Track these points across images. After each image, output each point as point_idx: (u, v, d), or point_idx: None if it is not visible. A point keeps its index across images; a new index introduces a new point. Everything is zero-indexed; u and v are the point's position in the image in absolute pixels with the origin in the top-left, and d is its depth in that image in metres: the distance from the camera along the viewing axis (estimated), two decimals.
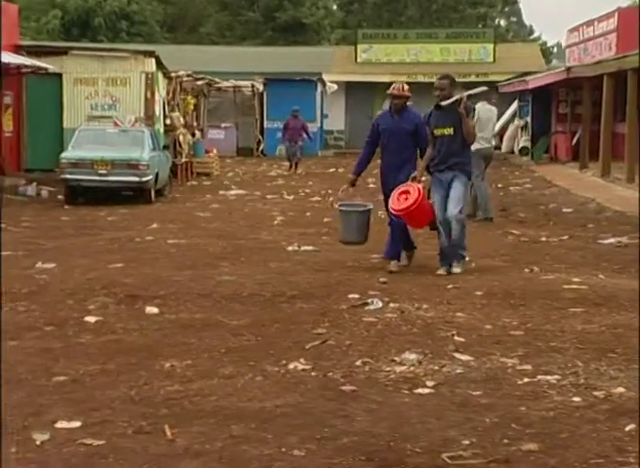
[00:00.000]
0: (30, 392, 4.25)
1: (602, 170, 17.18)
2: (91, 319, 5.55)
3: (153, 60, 17.76)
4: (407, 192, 7.06)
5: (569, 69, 20.83)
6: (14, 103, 17.41)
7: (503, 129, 26.59)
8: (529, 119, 24.48)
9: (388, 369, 4.59)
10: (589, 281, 6.67)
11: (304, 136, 20.73)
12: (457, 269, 7.10)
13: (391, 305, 5.87)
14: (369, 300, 5.89)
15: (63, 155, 13.89)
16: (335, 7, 45.77)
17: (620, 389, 4.18)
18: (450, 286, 6.52)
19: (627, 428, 3.68)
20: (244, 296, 6.21)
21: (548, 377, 4.37)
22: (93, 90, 17.62)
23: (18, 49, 17.53)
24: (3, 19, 16.94)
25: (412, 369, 4.58)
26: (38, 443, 3.62)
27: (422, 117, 7.45)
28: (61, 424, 3.82)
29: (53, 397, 4.19)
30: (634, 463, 3.35)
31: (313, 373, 4.54)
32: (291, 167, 20.57)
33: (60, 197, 14.12)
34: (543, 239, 9.39)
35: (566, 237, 9.46)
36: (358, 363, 4.69)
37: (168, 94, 19.15)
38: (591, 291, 6.30)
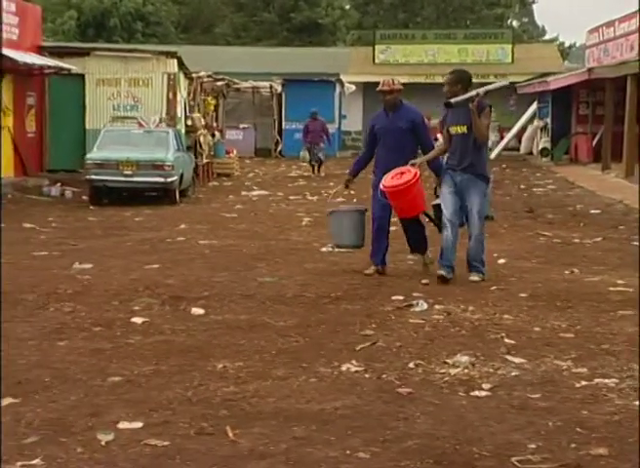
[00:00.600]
0: (87, 392, 4.26)
1: (626, 171, 17.10)
2: (137, 320, 5.56)
3: (175, 61, 17.81)
4: (403, 173, 6.72)
5: (590, 70, 20.74)
6: (36, 104, 17.50)
7: (522, 130, 26.54)
8: (549, 120, 24.39)
9: (442, 371, 4.58)
10: (634, 283, 6.63)
11: (325, 137, 20.45)
12: (475, 277, 6.74)
13: (437, 307, 5.85)
14: (414, 302, 5.87)
15: (89, 156, 13.94)
16: (347, 7, 45.70)
17: None
18: (493, 287, 6.50)
19: None
20: (288, 298, 6.21)
21: (606, 380, 4.34)
22: (115, 90, 17.69)
23: (40, 50, 17.62)
24: (27, 21, 17.04)
25: (466, 371, 4.57)
26: (103, 443, 3.63)
27: (423, 114, 7.17)
28: (123, 425, 3.82)
29: (109, 397, 4.20)
30: None
31: (367, 375, 4.53)
32: (313, 171, 20.36)
33: (84, 197, 14.17)
34: (576, 240, 9.35)
35: (599, 239, 9.42)
36: (411, 365, 4.68)
37: (189, 94, 19.20)
38: (637, 293, 6.26)
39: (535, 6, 55.43)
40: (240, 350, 4.97)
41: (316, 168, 20.35)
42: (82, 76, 17.55)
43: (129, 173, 13.47)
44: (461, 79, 6.78)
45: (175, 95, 17.68)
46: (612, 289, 6.41)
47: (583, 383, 4.32)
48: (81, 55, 17.87)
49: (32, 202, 13.84)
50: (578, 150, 22.62)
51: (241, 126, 25.91)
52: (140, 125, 14.85)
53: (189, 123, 18.29)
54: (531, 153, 25.98)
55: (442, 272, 6.65)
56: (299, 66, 28.40)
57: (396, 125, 6.98)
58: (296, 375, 4.53)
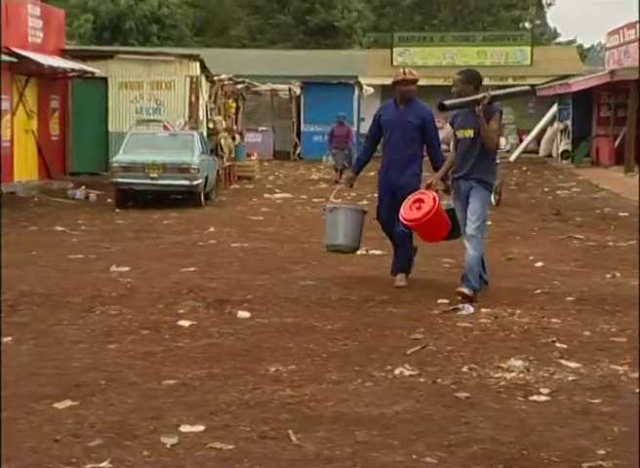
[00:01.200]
0: (143, 395, 4.26)
1: None
2: (184, 323, 5.56)
3: (198, 64, 17.88)
4: (420, 201, 6.24)
5: (612, 72, 20.65)
6: (60, 107, 17.59)
7: (541, 132, 26.46)
8: (569, 122, 24.30)
9: (497, 375, 4.56)
10: None
11: (350, 142, 20.19)
12: (465, 289, 5.98)
13: (483, 310, 5.83)
14: (460, 306, 5.85)
15: (115, 159, 13.97)
16: (360, 9, 45.64)
17: None
18: (538, 291, 6.47)
19: None
20: (333, 301, 6.20)
21: None
22: (138, 93, 17.77)
23: (63, 53, 17.70)
24: (51, 24, 17.13)
25: (521, 375, 4.55)
26: (168, 446, 3.63)
27: (432, 114, 6.70)
28: (185, 428, 3.82)
29: (167, 401, 4.20)
30: None
31: (422, 379, 4.52)
32: (340, 176, 20.20)
33: (108, 200, 14.21)
34: (611, 243, 9.31)
35: (633, 241, 9.35)
36: (464, 369, 4.66)
37: (210, 97, 19.25)
38: None
39: (549, 8, 55.28)
40: (290, 353, 4.97)
41: (339, 173, 20.21)
42: (105, 79, 17.65)
43: (155, 175, 13.49)
44: (473, 79, 6.31)
45: (197, 97, 17.75)
46: None
47: None
48: (104, 58, 17.98)
49: (59, 205, 13.89)
50: (599, 152, 22.52)
51: (260, 128, 25.95)
52: (166, 128, 14.88)
53: (211, 126, 18.35)
54: (550, 155, 25.90)
55: (464, 289, 5.93)
56: (316, 69, 28.43)
57: (405, 119, 6.59)
58: (350, 379, 4.51)
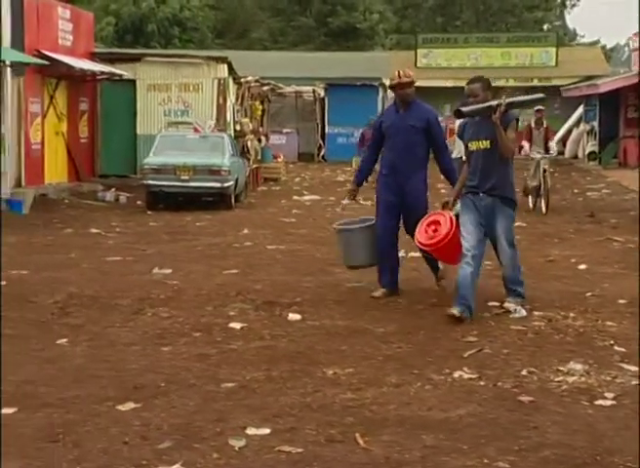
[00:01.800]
0: (204, 398, 4.25)
1: None
2: (236, 325, 5.56)
3: (225, 66, 17.91)
4: (437, 223, 5.93)
5: None
6: (89, 110, 17.67)
7: (567, 133, 26.28)
8: (595, 123, 24.12)
9: (558, 379, 4.52)
10: None
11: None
12: (511, 305, 5.79)
13: (535, 313, 5.78)
14: (512, 308, 5.79)
15: (146, 161, 14.00)
16: (382, 10, 45.60)
17: None
18: (588, 293, 6.40)
19: None
20: (381, 304, 6.18)
21: None
22: (166, 96, 17.82)
23: (92, 56, 17.79)
24: (80, 27, 17.22)
25: (583, 379, 4.50)
26: (236, 449, 3.62)
27: (436, 117, 6.42)
28: (251, 431, 3.81)
29: (227, 403, 4.19)
30: None
31: (482, 383, 4.48)
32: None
33: (138, 202, 14.25)
34: None
35: None
36: (524, 372, 4.62)
37: (237, 99, 19.28)
38: None
39: (570, 10, 55.02)
40: (345, 356, 4.95)
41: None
42: (133, 82, 17.71)
43: (186, 178, 13.51)
44: (489, 85, 5.93)
45: (225, 100, 17.77)
46: None
47: None
48: (132, 60, 18.03)
49: (90, 207, 13.96)
50: (627, 154, 22.33)
51: (284, 130, 25.95)
52: (196, 130, 14.90)
53: (238, 128, 18.38)
54: (576, 157, 25.69)
55: (454, 311, 5.54)
56: (339, 71, 28.37)
57: (408, 123, 6.25)
58: (409, 382, 4.49)
